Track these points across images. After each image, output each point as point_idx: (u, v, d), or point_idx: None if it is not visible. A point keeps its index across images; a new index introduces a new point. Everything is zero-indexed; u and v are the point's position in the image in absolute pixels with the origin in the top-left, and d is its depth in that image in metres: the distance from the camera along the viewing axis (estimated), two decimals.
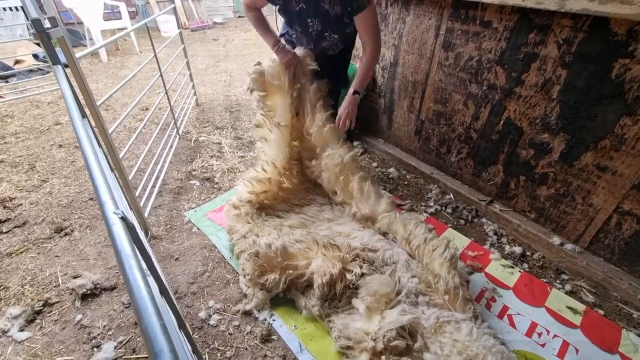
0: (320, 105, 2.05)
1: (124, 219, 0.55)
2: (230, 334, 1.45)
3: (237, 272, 1.74)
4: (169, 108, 2.84)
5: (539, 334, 1.48)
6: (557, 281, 1.77)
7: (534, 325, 1.52)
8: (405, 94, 2.52)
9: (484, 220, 2.16)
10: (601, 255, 1.76)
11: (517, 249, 1.94)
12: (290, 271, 1.56)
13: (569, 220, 1.84)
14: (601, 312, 1.59)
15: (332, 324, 1.45)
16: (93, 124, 1.46)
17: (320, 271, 1.49)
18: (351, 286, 1.49)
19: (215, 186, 2.51)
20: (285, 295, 1.60)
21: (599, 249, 1.76)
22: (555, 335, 1.47)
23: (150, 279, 0.61)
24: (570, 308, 1.60)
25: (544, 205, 1.93)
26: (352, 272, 1.50)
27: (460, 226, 2.13)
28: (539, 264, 1.88)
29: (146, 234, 1.92)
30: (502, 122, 1.97)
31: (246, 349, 1.40)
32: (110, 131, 1.62)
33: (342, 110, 1.91)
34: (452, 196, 2.34)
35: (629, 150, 1.51)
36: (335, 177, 1.98)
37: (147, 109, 3.68)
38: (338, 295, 1.49)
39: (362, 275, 1.50)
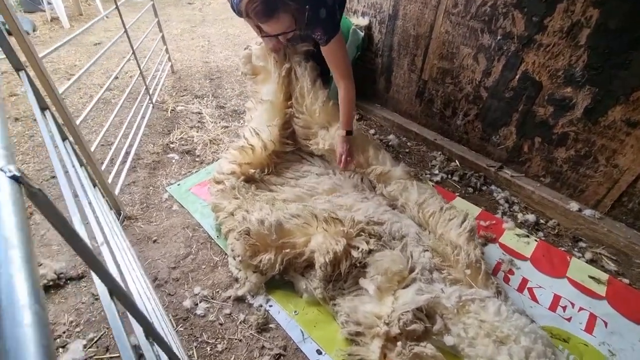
0: (320, 84, 1.80)
1: (16, 179, 0.32)
2: (220, 324, 1.26)
3: (226, 254, 1.53)
4: (139, 72, 2.49)
5: (564, 308, 1.35)
6: (575, 249, 1.64)
7: (557, 298, 1.39)
8: (405, 51, 2.26)
9: (493, 187, 2.00)
10: (623, 220, 1.63)
11: (531, 217, 1.79)
12: (287, 250, 1.36)
13: (588, 184, 1.69)
14: (626, 280, 1.48)
15: (338, 307, 1.27)
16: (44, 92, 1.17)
17: (322, 249, 1.30)
18: (358, 265, 1.31)
19: (197, 159, 2.25)
20: (283, 278, 1.41)
21: (621, 213, 1.63)
22: (581, 308, 1.35)
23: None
24: (593, 278, 1.47)
25: (560, 168, 1.77)
26: (358, 248, 1.32)
27: (469, 194, 1.96)
28: (555, 232, 1.74)
29: (118, 214, 1.67)
30: (517, 77, 1.76)
31: (240, 341, 1.21)
32: (61, 91, 1.32)
33: (339, 150, 1.75)
34: (457, 163, 2.16)
35: None
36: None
37: (116, 78, 3.29)
38: (343, 275, 1.30)
39: (370, 252, 1.31)
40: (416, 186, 1.68)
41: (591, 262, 1.56)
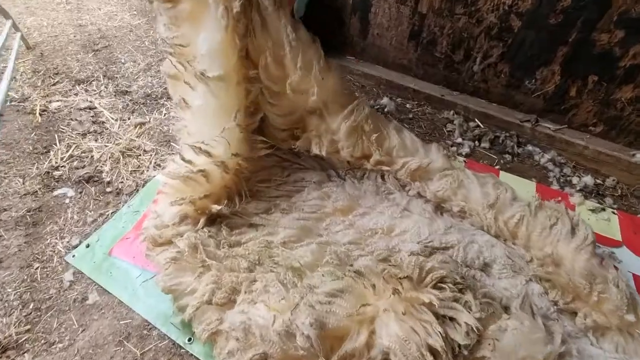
0: (306, 33, 1.05)
1: None
2: None
3: None
4: None
5: None
6: None
7: None
8: None
9: (530, 148, 1.57)
10: None
11: (587, 179, 1.42)
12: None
13: None
14: None
15: None
16: None
17: (405, 350, 0.72)
18: (464, 353, 0.76)
19: (109, 189, 1.39)
20: None
21: None
22: None
23: None
24: None
25: (621, 112, 1.38)
26: (461, 324, 0.76)
27: (509, 164, 1.51)
28: (618, 194, 1.41)
29: None
30: None
31: None
32: None
33: None
34: (479, 123, 1.66)
35: None
36: (363, 138, 1.11)
37: None
38: None
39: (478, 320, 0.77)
40: (472, 176, 1.14)
41: None
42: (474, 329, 0.74)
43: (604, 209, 1.31)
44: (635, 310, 0.82)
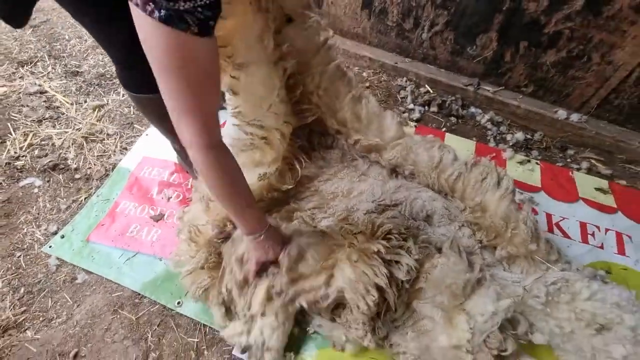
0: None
1: None
2: None
3: (205, 325, 1.02)
4: None
5: (593, 235, 1.29)
6: (568, 160, 1.57)
7: (584, 226, 1.31)
8: None
9: (473, 109, 1.74)
10: (606, 118, 1.58)
11: (519, 135, 1.63)
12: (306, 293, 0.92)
13: (575, 87, 1.54)
14: (622, 182, 1.48)
15: (398, 348, 0.95)
16: None
17: (358, 289, 0.89)
18: (406, 286, 0.96)
19: (77, 176, 1.42)
20: (304, 330, 1.00)
21: (605, 112, 1.56)
22: (606, 230, 1.30)
23: None
24: (599, 190, 1.43)
25: (546, 74, 1.56)
26: (401, 265, 0.94)
27: (454, 126, 1.68)
28: (543, 146, 1.63)
29: None
30: None
31: None
32: None
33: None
34: (429, 88, 1.80)
35: None
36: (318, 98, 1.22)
37: None
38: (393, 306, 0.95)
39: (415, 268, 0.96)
40: (420, 142, 1.29)
41: (588, 171, 1.51)
42: (412, 267, 0.93)
43: (529, 161, 1.53)
44: (537, 241, 1.04)
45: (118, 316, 1.02)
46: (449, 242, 0.99)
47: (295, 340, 0.98)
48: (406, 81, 1.83)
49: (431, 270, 0.94)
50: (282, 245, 0.90)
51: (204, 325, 1.01)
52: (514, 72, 1.63)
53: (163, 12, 0.49)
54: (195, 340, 0.99)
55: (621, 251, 1.24)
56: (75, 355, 0.95)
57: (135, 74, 0.93)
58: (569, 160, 1.58)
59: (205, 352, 0.97)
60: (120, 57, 0.91)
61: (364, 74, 1.90)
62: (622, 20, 1.29)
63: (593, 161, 1.56)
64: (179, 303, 1.06)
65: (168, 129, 1.14)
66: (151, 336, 0.99)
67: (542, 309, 0.92)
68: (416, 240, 1.01)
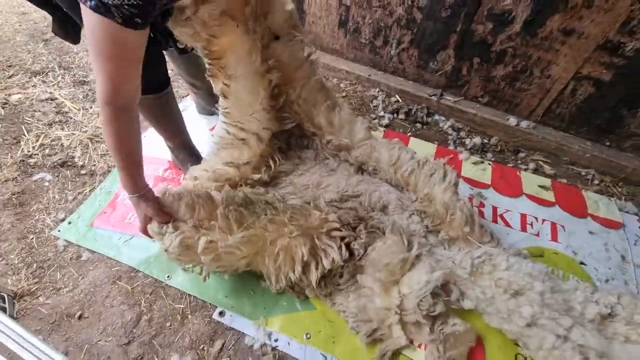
0: None
1: None
2: None
3: (190, 294, 1.20)
4: None
5: (531, 224, 1.48)
6: (519, 161, 1.77)
7: (524, 217, 1.50)
8: None
9: (437, 117, 1.96)
10: (552, 125, 1.79)
11: (477, 140, 1.84)
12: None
13: (523, 98, 1.76)
14: (563, 180, 1.67)
15: (341, 307, 1.14)
16: None
17: (286, 260, 1.09)
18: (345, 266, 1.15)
19: (83, 172, 1.61)
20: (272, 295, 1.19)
21: (550, 119, 1.77)
22: (543, 220, 1.49)
23: None
24: (541, 187, 1.63)
25: (498, 86, 1.78)
26: (328, 255, 1.12)
27: (419, 131, 1.89)
28: (498, 149, 1.84)
29: (1, 300, 1.11)
30: None
31: None
32: None
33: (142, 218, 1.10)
34: (398, 98, 2.02)
35: (602, 5, 1.33)
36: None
37: None
38: (333, 274, 1.15)
39: (362, 246, 1.15)
40: (384, 144, 1.50)
41: (534, 171, 1.72)
42: (335, 261, 1.10)
43: (482, 162, 1.73)
44: (472, 225, 1.23)
45: (116, 286, 1.21)
46: (390, 227, 1.18)
47: (264, 305, 1.16)
48: (378, 91, 2.05)
49: (371, 251, 1.13)
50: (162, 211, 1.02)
51: (189, 295, 1.20)
52: (471, 84, 1.85)
53: (93, 2, 0.67)
54: (182, 306, 1.17)
55: (554, 238, 1.43)
56: (80, 316, 1.13)
57: None
58: (519, 162, 1.78)
59: (190, 316, 1.15)
60: None
61: (342, 85, 2.12)
62: (553, 40, 1.51)
63: (540, 162, 1.77)
64: (168, 277, 1.24)
65: (161, 128, 1.34)
66: (144, 302, 1.17)
67: (468, 278, 1.10)
68: (367, 226, 1.20)
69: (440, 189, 1.32)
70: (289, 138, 1.60)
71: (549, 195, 1.59)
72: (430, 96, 1.93)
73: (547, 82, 1.64)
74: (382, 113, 1.94)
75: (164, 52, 1.31)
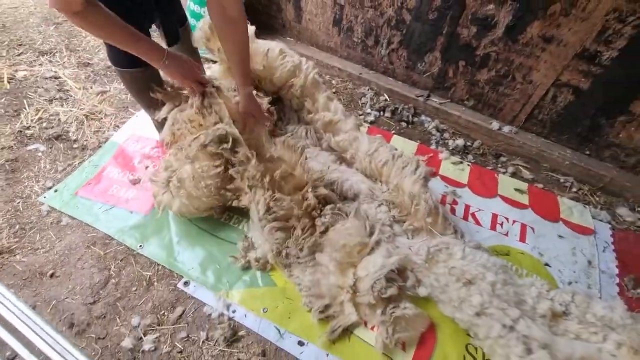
0: None
1: None
2: (180, 352, 1.06)
3: (158, 264, 1.25)
4: None
5: (501, 224, 1.50)
6: (499, 165, 1.79)
7: (495, 217, 1.52)
8: None
9: (423, 117, 1.99)
10: (534, 131, 1.81)
11: (460, 142, 1.86)
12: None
13: (506, 103, 1.78)
14: (540, 185, 1.69)
15: (297, 279, 1.18)
16: None
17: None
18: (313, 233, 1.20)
19: (75, 145, 1.69)
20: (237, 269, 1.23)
21: (532, 125, 1.79)
22: (514, 221, 1.51)
23: None
24: (517, 190, 1.65)
25: (482, 90, 1.81)
26: (320, 214, 1.19)
27: (403, 130, 1.93)
28: (480, 152, 1.86)
29: None
30: None
31: None
32: None
33: (254, 108, 1.34)
34: (387, 97, 2.06)
35: (579, 14, 1.37)
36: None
37: None
38: (298, 237, 1.19)
39: (323, 225, 1.20)
40: (366, 136, 1.55)
41: (513, 175, 1.74)
42: (325, 223, 1.16)
43: (461, 162, 1.76)
44: (435, 217, 1.26)
45: (90, 251, 1.27)
46: (354, 211, 1.22)
47: (228, 279, 1.21)
48: (368, 89, 2.09)
49: (331, 231, 1.17)
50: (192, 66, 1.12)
51: (158, 264, 1.25)
52: (457, 87, 1.88)
53: None
54: (149, 273, 1.22)
55: (522, 239, 1.45)
56: (52, 275, 1.19)
57: (119, 51, 1.19)
58: (499, 165, 1.80)
59: (155, 284, 1.20)
60: None
61: (333, 82, 2.17)
62: (534, 46, 1.54)
63: (520, 167, 1.78)
64: (140, 246, 1.30)
65: (146, 104, 1.41)
66: (114, 267, 1.23)
67: (423, 264, 1.14)
68: (334, 208, 1.24)
69: (410, 181, 1.35)
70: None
71: (523, 198, 1.61)
72: (418, 97, 1.97)
73: (529, 87, 1.67)
74: (369, 110, 1.98)
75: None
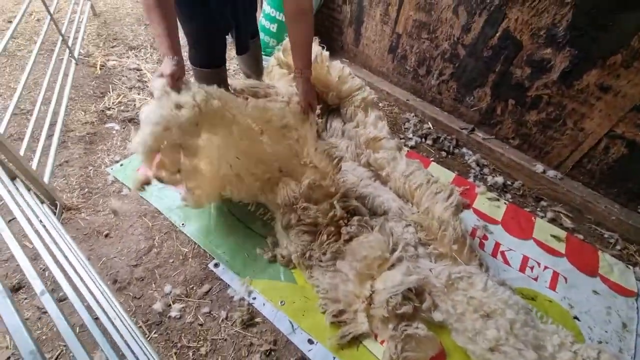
0: None
1: None
2: (200, 325, 1.15)
3: (195, 243, 1.37)
4: (50, 16, 1.96)
5: (531, 268, 1.45)
6: (538, 209, 1.74)
7: (525, 260, 1.48)
8: None
9: (464, 150, 2.00)
10: (580, 180, 1.74)
11: (499, 179, 1.84)
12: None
13: (554, 147, 1.75)
14: (580, 236, 1.62)
15: (316, 281, 1.23)
16: None
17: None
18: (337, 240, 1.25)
19: None
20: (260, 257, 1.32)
21: (579, 174, 1.73)
22: (545, 267, 1.46)
23: None
24: (554, 236, 1.59)
25: (530, 131, 1.80)
26: (348, 227, 1.24)
27: (442, 159, 1.95)
28: (520, 193, 1.82)
29: (54, 206, 1.38)
30: (498, 34, 1.66)
31: (225, 340, 1.13)
32: None
33: (311, 96, 1.45)
34: (430, 125, 2.11)
35: None
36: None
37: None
38: (323, 242, 1.25)
39: (348, 234, 1.25)
40: (405, 159, 1.61)
41: (552, 221, 1.68)
42: (351, 232, 1.22)
43: (498, 200, 1.73)
44: (461, 246, 1.26)
45: (141, 220, 1.43)
46: (379, 226, 1.27)
47: (254, 268, 1.30)
48: (413, 116, 2.15)
49: (354, 242, 1.23)
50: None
51: (195, 243, 1.37)
52: (504, 124, 1.88)
53: None
54: (186, 250, 1.35)
55: (552, 287, 1.39)
56: (106, 235, 1.36)
57: (198, 54, 1.37)
58: (539, 209, 1.75)
59: (190, 260, 1.33)
60: (190, 41, 1.38)
61: (380, 104, 2.26)
62: (589, 94, 1.52)
63: (561, 214, 1.72)
64: (183, 224, 1.43)
65: None
66: (157, 239, 1.37)
67: (441, 288, 1.14)
68: (361, 220, 1.30)
69: (441, 207, 1.38)
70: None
71: (560, 246, 1.55)
72: (462, 129, 2.00)
73: (579, 134, 1.63)
74: (410, 135, 2.03)
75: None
